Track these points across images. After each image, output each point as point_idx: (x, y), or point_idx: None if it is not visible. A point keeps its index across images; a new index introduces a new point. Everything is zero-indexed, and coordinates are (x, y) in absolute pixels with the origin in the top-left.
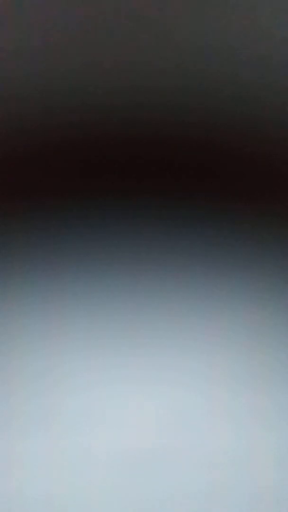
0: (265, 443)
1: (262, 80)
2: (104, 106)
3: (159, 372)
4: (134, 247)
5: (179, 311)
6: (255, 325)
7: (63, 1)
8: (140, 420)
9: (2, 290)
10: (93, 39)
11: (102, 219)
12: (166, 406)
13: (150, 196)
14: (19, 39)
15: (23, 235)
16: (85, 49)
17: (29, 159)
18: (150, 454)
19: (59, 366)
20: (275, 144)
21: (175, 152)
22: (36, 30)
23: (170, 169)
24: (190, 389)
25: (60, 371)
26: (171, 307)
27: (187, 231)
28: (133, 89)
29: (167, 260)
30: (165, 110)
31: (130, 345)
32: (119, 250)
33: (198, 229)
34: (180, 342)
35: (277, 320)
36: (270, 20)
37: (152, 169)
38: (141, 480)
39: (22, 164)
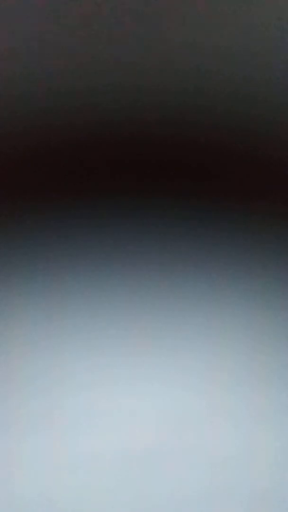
0: (265, 443)
1: (262, 80)
2: (104, 106)
3: (160, 372)
4: (134, 247)
5: (180, 311)
6: (255, 324)
7: (63, 0)
8: (140, 420)
9: (2, 290)
10: (93, 39)
11: (102, 219)
12: (166, 406)
13: (150, 196)
14: (18, 39)
15: (24, 235)
16: (85, 49)
17: (29, 159)
18: (150, 454)
19: (60, 366)
20: (276, 144)
21: (175, 152)
22: (36, 30)
23: (170, 169)
24: (191, 389)
25: (60, 371)
26: (171, 307)
27: (188, 230)
28: (133, 89)
29: (167, 260)
30: (165, 110)
31: (130, 345)
32: (119, 250)
33: (199, 229)
34: (180, 342)
35: (278, 320)
36: (270, 19)
37: (152, 169)
38: (141, 480)
39: (22, 164)
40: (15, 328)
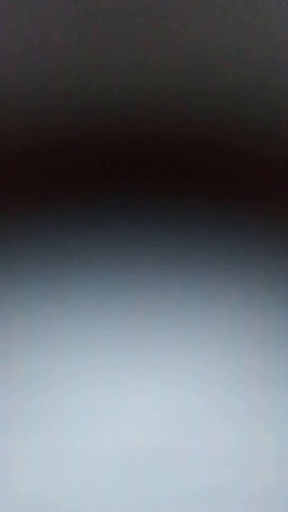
0: (265, 443)
1: (262, 80)
2: (104, 106)
3: (159, 372)
4: (134, 247)
5: (179, 311)
6: (256, 324)
7: (63, 0)
8: (140, 420)
9: (1, 290)
10: (93, 38)
11: (102, 219)
12: (166, 406)
13: (150, 196)
14: (18, 39)
15: (23, 235)
16: (85, 48)
17: (29, 159)
18: (150, 454)
19: (60, 366)
20: (276, 144)
21: (175, 152)
22: (36, 29)
23: (170, 169)
24: (190, 389)
25: (60, 371)
26: (171, 307)
27: (187, 230)
28: (133, 89)
29: (167, 260)
30: (165, 110)
31: (130, 345)
32: (119, 250)
33: (198, 229)
34: (180, 341)
35: (278, 320)
36: (271, 19)
37: (152, 169)
38: (141, 480)
39: (22, 164)
40: (15, 328)
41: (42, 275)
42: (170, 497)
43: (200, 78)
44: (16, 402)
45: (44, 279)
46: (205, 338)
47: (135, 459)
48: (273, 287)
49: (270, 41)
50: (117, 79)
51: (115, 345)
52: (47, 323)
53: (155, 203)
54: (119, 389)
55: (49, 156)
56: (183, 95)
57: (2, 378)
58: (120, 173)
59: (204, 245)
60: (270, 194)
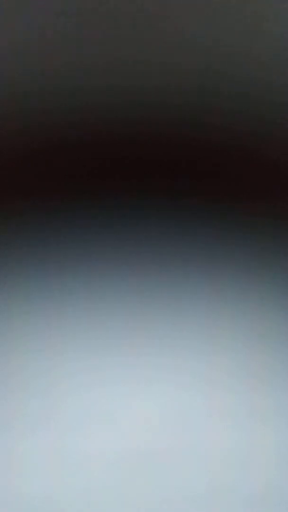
0: (265, 443)
1: (262, 79)
2: (104, 105)
3: (159, 372)
4: (134, 247)
5: (179, 311)
6: (255, 325)
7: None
8: (140, 421)
9: (2, 290)
10: (93, 38)
11: (102, 219)
12: (166, 406)
13: (150, 196)
14: (18, 39)
15: (23, 235)
16: (85, 48)
17: (29, 159)
18: (150, 454)
19: (59, 366)
20: (277, 144)
21: (175, 152)
22: (35, 29)
23: (170, 169)
24: (190, 390)
25: (60, 371)
26: (171, 307)
27: (187, 230)
28: (134, 89)
29: (167, 260)
30: (165, 110)
31: (130, 345)
32: (120, 250)
33: (199, 229)
34: (180, 342)
35: (277, 320)
36: (271, 19)
37: (153, 169)
38: (141, 480)
39: (22, 164)
40: (15, 328)
41: (42, 275)
42: (170, 497)
43: (200, 79)
44: (16, 403)
45: (44, 279)
46: (205, 339)
47: (135, 459)
48: (273, 287)
49: (270, 41)
50: (117, 79)
51: (115, 346)
52: (47, 324)
53: (155, 203)
54: (119, 390)
55: (49, 156)
56: (183, 95)
57: (2, 378)
58: (120, 173)
59: (204, 246)
60: (270, 194)
